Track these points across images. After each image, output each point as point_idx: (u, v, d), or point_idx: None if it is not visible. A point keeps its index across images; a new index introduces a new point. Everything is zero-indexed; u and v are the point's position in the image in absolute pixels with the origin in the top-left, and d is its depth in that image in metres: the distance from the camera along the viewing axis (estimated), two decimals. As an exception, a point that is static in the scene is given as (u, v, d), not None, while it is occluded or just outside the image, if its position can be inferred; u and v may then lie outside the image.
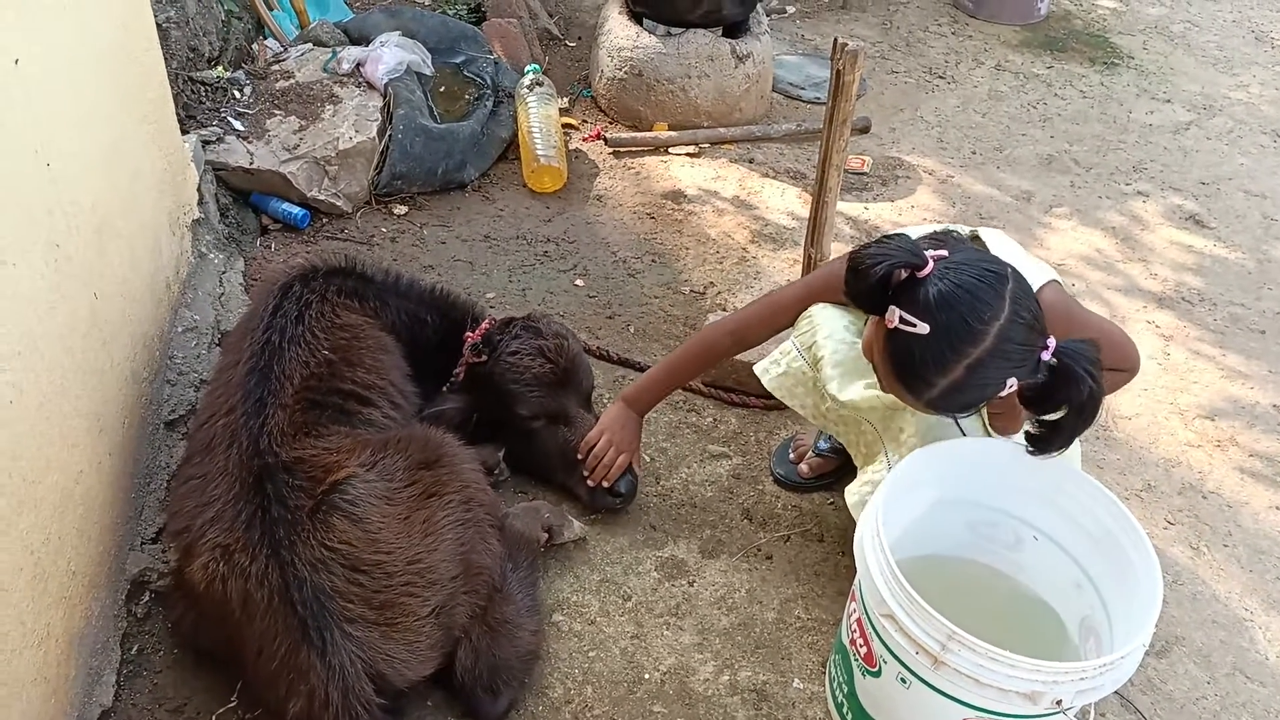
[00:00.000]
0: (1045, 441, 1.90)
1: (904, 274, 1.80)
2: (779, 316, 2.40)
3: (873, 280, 1.79)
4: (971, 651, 1.71)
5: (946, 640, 1.73)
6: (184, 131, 3.10)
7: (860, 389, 2.16)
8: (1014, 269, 1.85)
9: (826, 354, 2.22)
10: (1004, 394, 1.83)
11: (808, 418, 2.37)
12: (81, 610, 2.01)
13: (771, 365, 2.38)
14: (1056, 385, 1.80)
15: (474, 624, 2.08)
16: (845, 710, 2.09)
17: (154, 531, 2.36)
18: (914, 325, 1.77)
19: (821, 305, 2.30)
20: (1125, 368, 2.12)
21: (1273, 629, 2.41)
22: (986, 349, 1.76)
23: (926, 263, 1.79)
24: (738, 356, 2.83)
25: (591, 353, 2.94)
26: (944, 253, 1.82)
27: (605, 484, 2.48)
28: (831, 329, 2.24)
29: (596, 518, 2.55)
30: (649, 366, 2.94)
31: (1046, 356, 1.80)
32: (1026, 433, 1.95)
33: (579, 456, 2.50)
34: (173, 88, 2.99)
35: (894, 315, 1.79)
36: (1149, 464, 2.79)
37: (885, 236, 1.89)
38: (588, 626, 2.32)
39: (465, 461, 2.21)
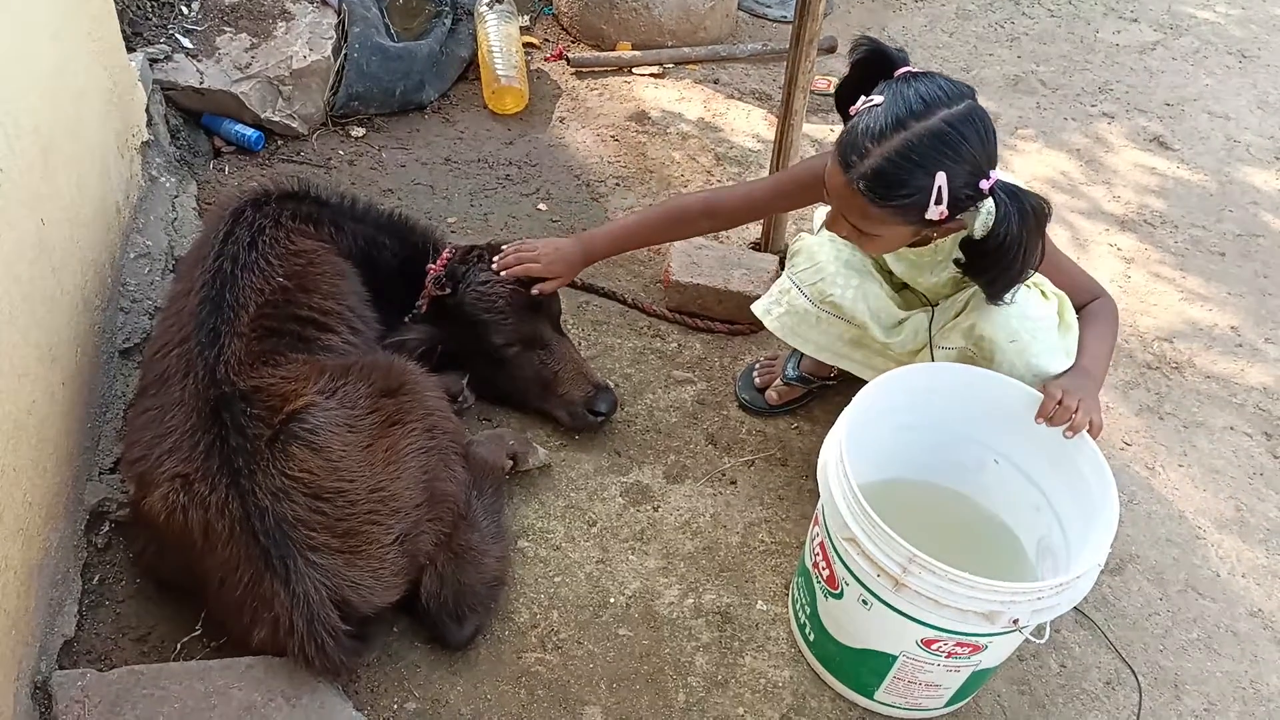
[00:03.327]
0: (974, 270, 1.96)
1: (888, 69, 1.90)
2: (757, 205, 2.46)
3: (861, 55, 1.92)
4: (931, 573, 1.73)
5: (907, 563, 1.75)
6: (130, 49, 2.99)
7: (902, 334, 2.24)
8: (982, 107, 1.90)
9: (846, 301, 2.24)
10: (932, 203, 1.84)
11: (812, 354, 2.38)
12: (40, 541, 1.99)
13: (773, 305, 2.37)
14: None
15: (439, 551, 2.08)
16: (808, 631, 2.12)
17: (112, 461, 2.33)
18: (872, 100, 1.86)
19: (815, 240, 2.30)
20: (1085, 297, 2.14)
21: (1224, 547, 2.47)
22: (928, 127, 1.81)
23: (907, 63, 1.91)
24: (702, 281, 2.82)
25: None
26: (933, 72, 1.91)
27: (504, 273, 2.47)
28: (835, 268, 2.25)
29: (562, 444, 2.55)
30: (613, 293, 2.92)
31: (985, 185, 1.85)
32: (955, 259, 2.00)
33: (513, 252, 2.48)
34: (117, 3, 2.88)
35: (861, 101, 1.88)
36: (1107, 386, 2.81)
37: None
38: (553, 552, 2.33)
39: (428, 389, 2.19)
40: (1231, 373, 2.91)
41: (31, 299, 2.04)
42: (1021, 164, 3.60)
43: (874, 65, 1.92)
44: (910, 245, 2.05)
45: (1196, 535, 2.49)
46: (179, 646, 2.08)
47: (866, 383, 2.03)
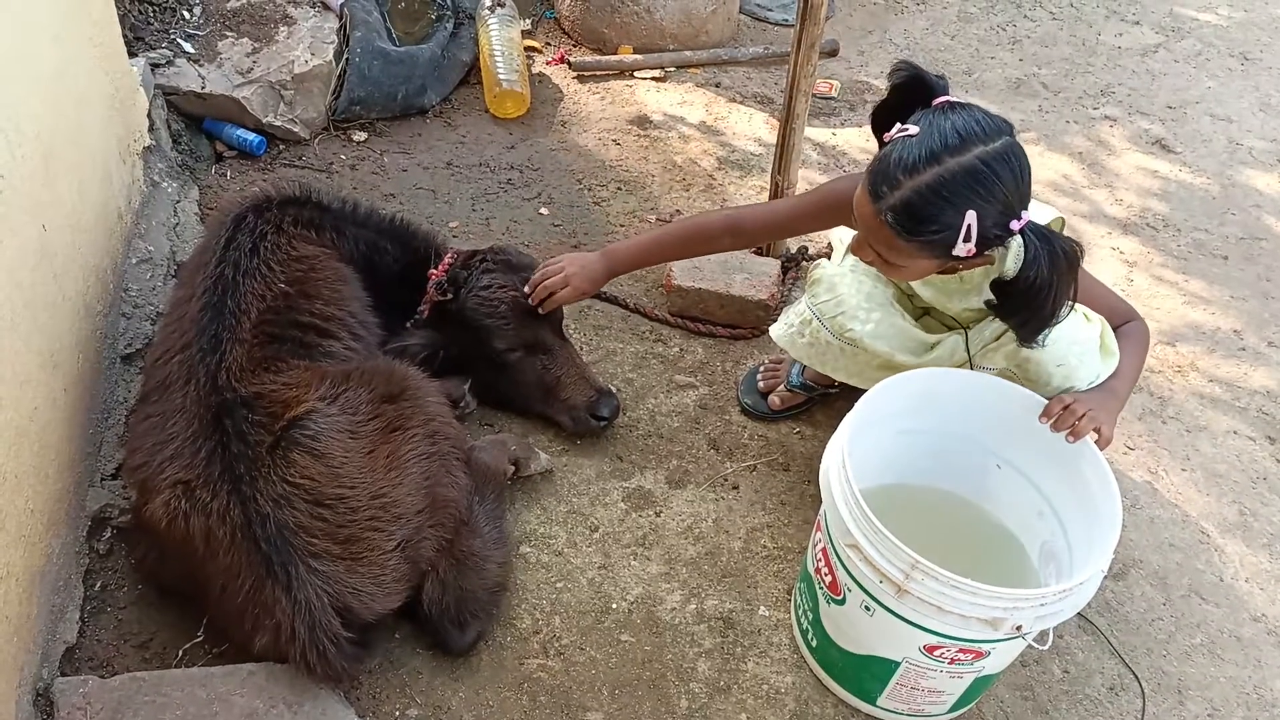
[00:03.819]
0: (1004, 312, 1.93)
1: (926, 96, 1.86)
2: (780, 225, 2.46)
3: (900, 80, 1.88)
4: (934, 580, 1.73)
5: (910, 569, 1.74)
6: (132, 54, 2.99)
7: (935, 353, 2.20)
8: (1020, 144, 1.86)
9: (866, 337, 2.21)
10: (960, 241, 1.81)
11: (843, 379, 2.37)
12: (41, 548, 1.99)
13: (795, 336, 2.36)
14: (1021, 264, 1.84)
15: (441, 557, 2.08)
16: (810, 637, 2.12)
17: (114, 467, 2.33)
18: (907, 129, 1.81)
19: (835, 271, 2.28)
20: (1120, 320, 2.14)
21: (1228, 551, 2.46)
22: (961, 164, 1.77)
23: (946, 92, 1.87)
24: (703, 286, 2.82)
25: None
26: (972, 105, 1.88)
27: (541, 310, 2.46)
28: (855, 301, 2.23)
29: (564, 449, 2.55)
30: (615, 297, 2.92)
31: (1016, 225, 1.81)
32: (987, 302, 1.96)
33: (540, 280, 2.47)
34: (118, 8, 2.88)
35: (896, 129, 1.84)
36: (1111, 390, 2.81)
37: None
38: (555, 558, 2.32)
39: (429, 394, 2.19)
40: (1234, 376, 2.91)
41: (33, 305, 2.04)
42: (1023, 167, 3.60)
43: (912, 91, 1.89)
44: (942, 272, 2.03)
45: (1200, 540, 2.48)
46: (181, 653, 2.08)
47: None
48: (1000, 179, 1.78)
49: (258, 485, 1.90)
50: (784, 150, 2.85)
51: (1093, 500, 1.93)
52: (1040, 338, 1.94)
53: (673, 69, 3.89)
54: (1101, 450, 1.95)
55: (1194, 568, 2.42)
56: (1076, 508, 2.00)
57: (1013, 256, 1.86)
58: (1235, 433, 2.74)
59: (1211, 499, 2.58)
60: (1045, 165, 3.62)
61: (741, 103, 3.77)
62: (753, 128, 3.65)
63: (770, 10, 4.28)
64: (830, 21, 4.12)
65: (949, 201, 1.79)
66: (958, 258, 1.85)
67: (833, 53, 4.00)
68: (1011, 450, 2.12)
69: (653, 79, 3.84)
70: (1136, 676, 2.20)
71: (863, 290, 2.23)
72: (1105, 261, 3.24)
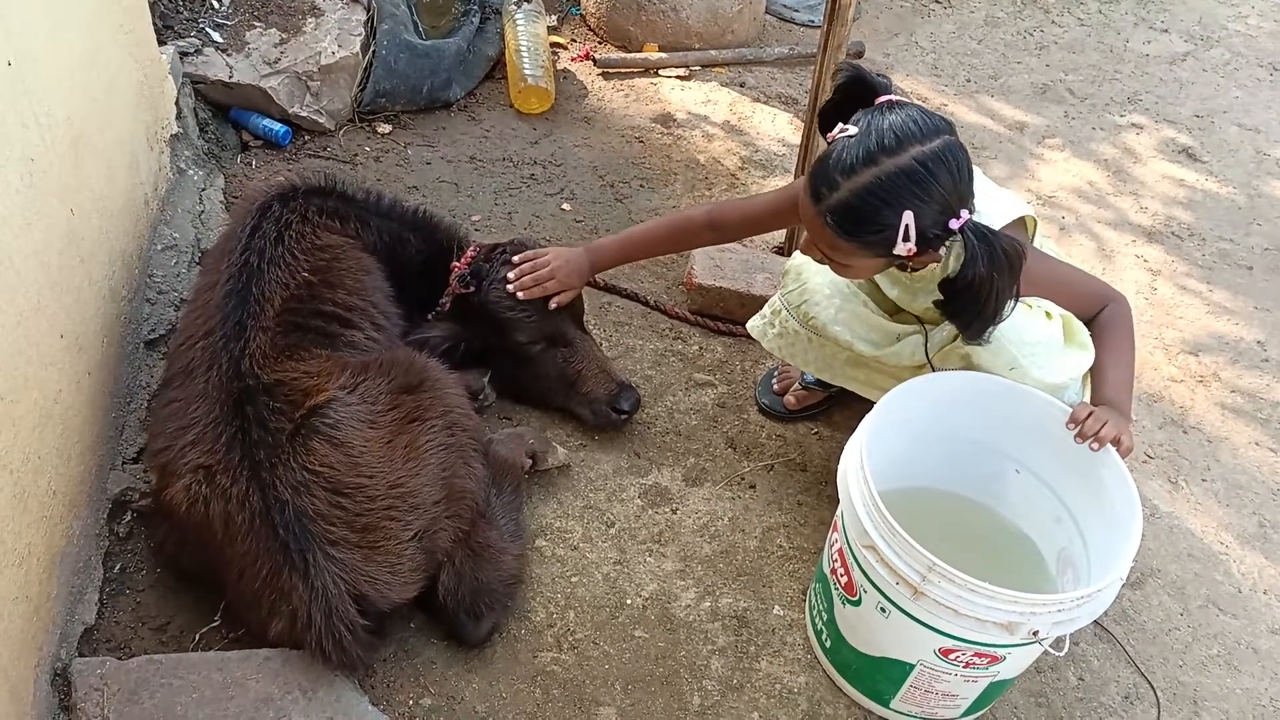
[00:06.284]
0: (949, 311, 1.92)
1: (869, 95, 1.87)
2: (756, 222, 2.45)
3: (842, 80, 1.90)
4: (951, 583, 1.72)
5: (926, 571, 1.74)
6: (161, 42, 3.01)
7: (895, 348, 2.18)
8: (960, 142, 1.85)
9: (826, 322, 2.22)
10: (900, 240, 1.81)
11: (813, 373, 2.39)
12: (62, 529, 2.01)
13: (767, 327, 2.40)
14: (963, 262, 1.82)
15: (457, 548, 2.08)
16: (825, 637, 2.11)
17: (135, 451, 2.35)
18: (847, 130, 1.82)
19: (804, 260, 2.28)
20: (1096, 306, 2.09)
21: (1247, 562, 2.45)
22: (898, 164, 1.78)
23: (889, 92, 1.87)
24: (724, 285, 2.82)
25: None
26: (911, 104, 1.88)
27: (521, 294, 2.45)
28: (820, 289, 2.24)
29: (581, 444, 2.55)
30: (635, 294, 2.92)
31: (955, 224, 1.81)
32: (935, 301, 1.94)
33: (518, 263, 2.48)
34: (149, -3, 2.90)
35: (838, 129, 1.85)
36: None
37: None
38: (571, 552, 2.33)
39: (448, 386, 2.19)
40: (1257, 387, 2.89)
41: (60, 288, 2.05)
42: (1048, 173, 3.58)
43: (855, 90, 1.90)
44: (899, 269, 2.04)
45: (1219, 550, 2.47)
46: (198, 637, 2.09)
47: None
48: (937, 179, 1.79)
49: (277, 472, 1.91)
50: (807, 151, 2.85)
51: (1112, 508, 1.92)
52: (985, 335, 1.93)
53: (697, 68, 3.89)
54: (1124, 457, 1.94)
55: (1212, 578, 2.41)
56: (1096, 515, 1.99)
57: (955, 256, 1.85)
58: (1257, 444, 2.73)
59: (1231, 510, 2.56)
60: (1070, 171, 3.61)
61: (766, 103, 3.76)
62: (776, 128, 3.65)
63: (797, 11, 4.27)
64: (856, 23, 4.11)
65: (886, 203, 1.79)
66: (899, 256, 1.86)
67: (858, 55, 3.99)
68: (1030, 456, 2.11)
69: (677, 77, 3.84)
70: (1152, 686, 2.19)
71: (828, 278, 2.23)
72: (1129, 269, 3.22)
